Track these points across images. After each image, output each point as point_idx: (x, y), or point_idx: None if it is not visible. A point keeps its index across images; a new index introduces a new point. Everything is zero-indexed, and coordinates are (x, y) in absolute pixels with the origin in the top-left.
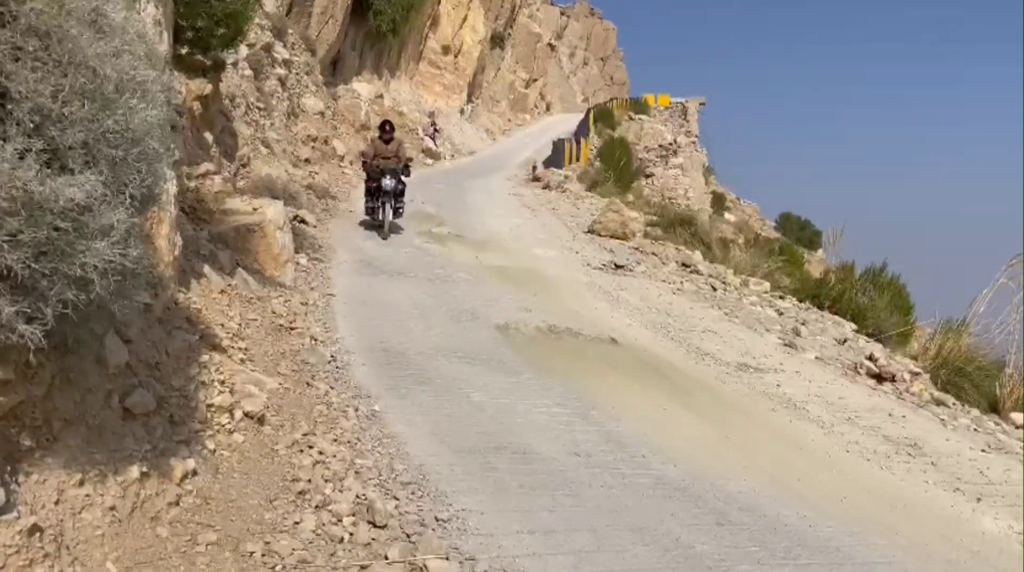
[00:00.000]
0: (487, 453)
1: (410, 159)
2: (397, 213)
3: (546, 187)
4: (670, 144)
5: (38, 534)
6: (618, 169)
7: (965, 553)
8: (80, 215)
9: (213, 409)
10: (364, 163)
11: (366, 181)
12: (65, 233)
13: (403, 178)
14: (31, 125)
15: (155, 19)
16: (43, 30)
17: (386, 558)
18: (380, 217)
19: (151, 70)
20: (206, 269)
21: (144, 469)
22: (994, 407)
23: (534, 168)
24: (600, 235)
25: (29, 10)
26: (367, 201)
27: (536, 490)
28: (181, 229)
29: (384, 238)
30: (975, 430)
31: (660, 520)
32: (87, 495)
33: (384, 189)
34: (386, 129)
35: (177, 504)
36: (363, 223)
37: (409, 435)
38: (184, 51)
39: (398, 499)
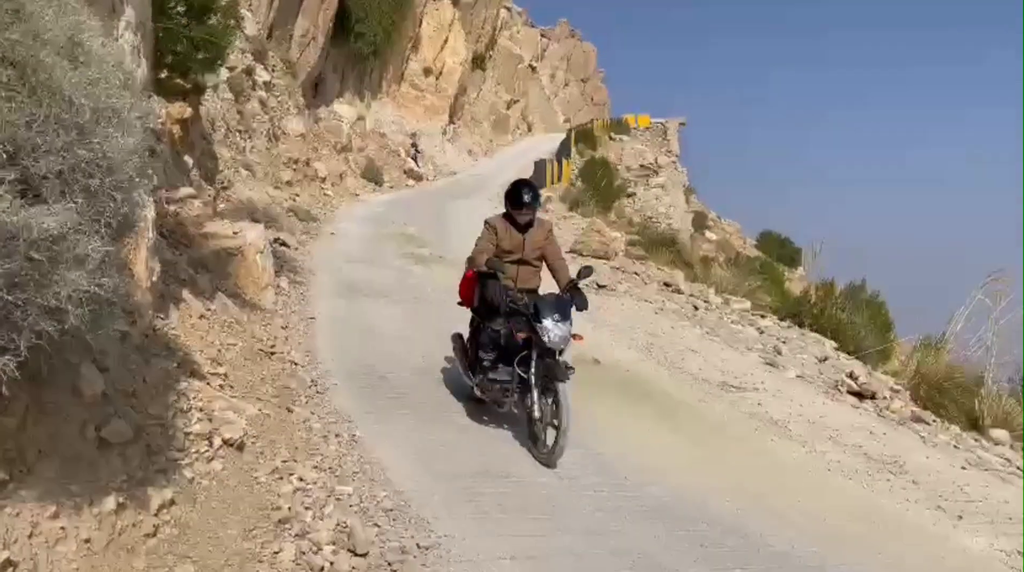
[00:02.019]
0: (470, 477)
1: (588, 268)
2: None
3: None
4: (651, 164)
5: (11, 569)
6: (600, 189)
7: (947, 571)
8: (54, 245)
9: (191, 437)
10: (470, 279)
11: (477, 310)
12: (39, 263)
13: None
14: (5, 155)
15: (133, 45)
16: (18, 60)
17: None
18: (535, 412)
19: (128, 98)
20: (185, 294)
21: (120, 500)
22: (974, 423)
23: None
24: (582, 254)
25: (4, 40)
26: (482, 355)
27: (519, 514)
28: (160, 254)
29: (548, 462)
30: (955, 447)
31: (643, 543)
32: (62, 528)
33: (545, 345)
34: (524, 200)
35: (154, 535)
36: (461, 391)
37: (391, 460)
38: (164, 75)
39: (380, 526)
